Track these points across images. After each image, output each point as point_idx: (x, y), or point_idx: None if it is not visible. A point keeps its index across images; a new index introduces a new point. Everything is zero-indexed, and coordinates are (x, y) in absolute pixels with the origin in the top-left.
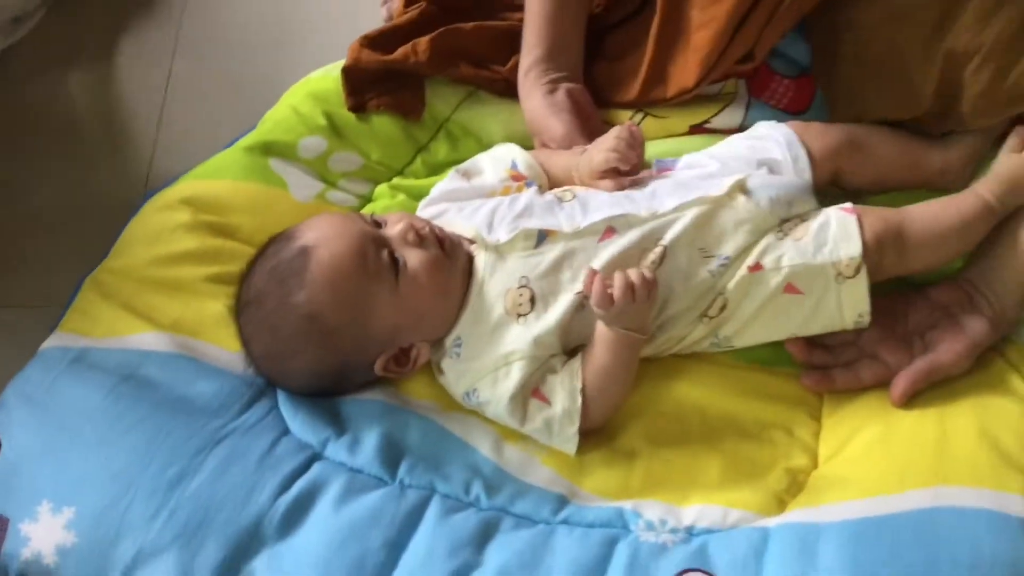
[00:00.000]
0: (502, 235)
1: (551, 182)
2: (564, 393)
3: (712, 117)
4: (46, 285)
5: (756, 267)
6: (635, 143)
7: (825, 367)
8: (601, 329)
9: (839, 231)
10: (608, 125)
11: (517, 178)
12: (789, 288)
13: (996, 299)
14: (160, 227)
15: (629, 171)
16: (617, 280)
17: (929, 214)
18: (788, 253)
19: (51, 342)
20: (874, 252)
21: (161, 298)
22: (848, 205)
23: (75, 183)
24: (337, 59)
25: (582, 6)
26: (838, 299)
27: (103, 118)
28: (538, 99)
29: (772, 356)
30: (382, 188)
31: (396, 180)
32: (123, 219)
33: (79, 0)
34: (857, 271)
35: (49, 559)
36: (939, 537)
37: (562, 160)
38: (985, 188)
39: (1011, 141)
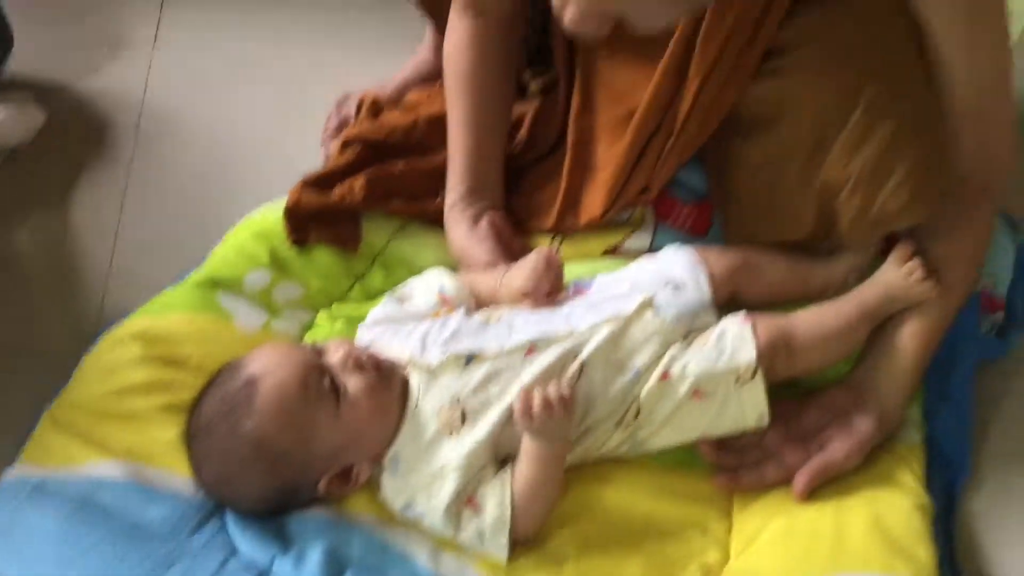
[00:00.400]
0: (434, 358)
1: (479, 302)
2: (495, 502)
3: (623, 241)
4: (4, 417)
5: (665, 376)
6: (551, 268)
7: (733, 468)
8: (526, 442)
9: (736, 339)
10: (530, 248)
11: (446, 302)
12: (696, 394)
13: (881, 400)
14: (112, 362)
15: (549, 292)
16: (536, 397)
17: (814, 320)
18: (692, 362)
19: (11, 474)
20: (767, 356)
21: (114, 428)
22: (743, 313)
23: (30, 323)
24: (276, 197)
25: (499, 146)
26: (739, 401)
27: (55, 262)
28: (463, 230)
29: (686, 458)
30: (322, 315)
31: (335, 307)
32: (77, 355)
33: (31, 152)
34: (754, 375)
35: None
36: None
37: (488, 280)
38: (864, 295)
39: (896, 254)
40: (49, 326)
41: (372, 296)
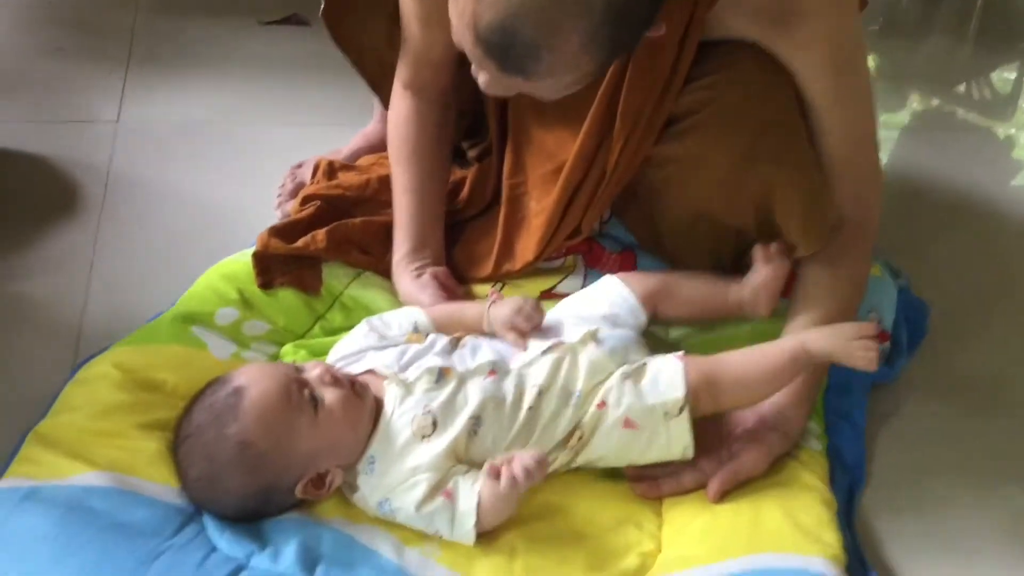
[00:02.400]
0: (410, 373)
1: (462, 330)
2: (465, 494)
3: (558, 283)
4: None
5: (602, 404)
6: (535, 311)
7: (654, 477)
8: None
9: (668, 377)
10: (469, 295)
11: (416, 339)
12: (627, 423)
13: (784, 415)
14: (94, 386)
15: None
16: (517, 468)
17: (742, 363)
18: (627, 395)
19: (2, 484)
20: (693, 395)
21: (99, 444)
22: (680, 354)
23: (5, 366)
24: (239, 249)
25: (439, 208)
26: (667, 434)
27: (28, 311)
28: (407, 282)
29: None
30: (287, 348)
31: (299, 342)
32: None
33: None
34: (681, 411)
35: None
36: None
37: (470, 312)
38: (800, 345)
39: (860, 327)
40: (25, 368)
41: (332, 333)
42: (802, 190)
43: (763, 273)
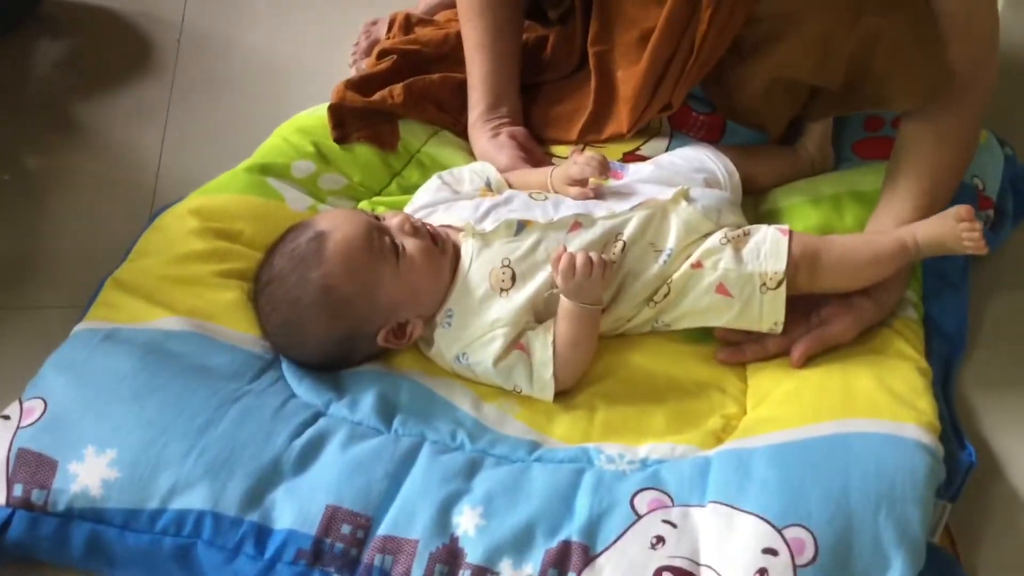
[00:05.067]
0: (488, 224)
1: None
2: (540, 345)
3: (641, 145)
4: (67, 289)
5: (697, 264)
6: (603, 166)
7: (737, 342)
8: (563, 302)
9: (771, 247)
10: (549, 156)
11: (491, 191)
12: (720, 289)
13: (881, 286)
14: (171, 233)
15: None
16: (579, 257)
17: (846, 247)
18: (725, 258)
19: (81, 326)
20: (792, 270)
21: (177, 291)
22: (784, 227)
23: (86, 206)
24: (313, 104)
25: (514, 67)
26: (760, 306)
27: (106, 166)
28: (484, 142)
29: (703, 333)
30: (363, 204)
31: (375, 199)
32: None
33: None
34: (779, 284)
35: (95, 491)
36: (850, 453)
37: (534, 176)
38: (910, 235)
39: (958, 210)
40: (103, 217)
41: (409, 191)
42: (909, 40)
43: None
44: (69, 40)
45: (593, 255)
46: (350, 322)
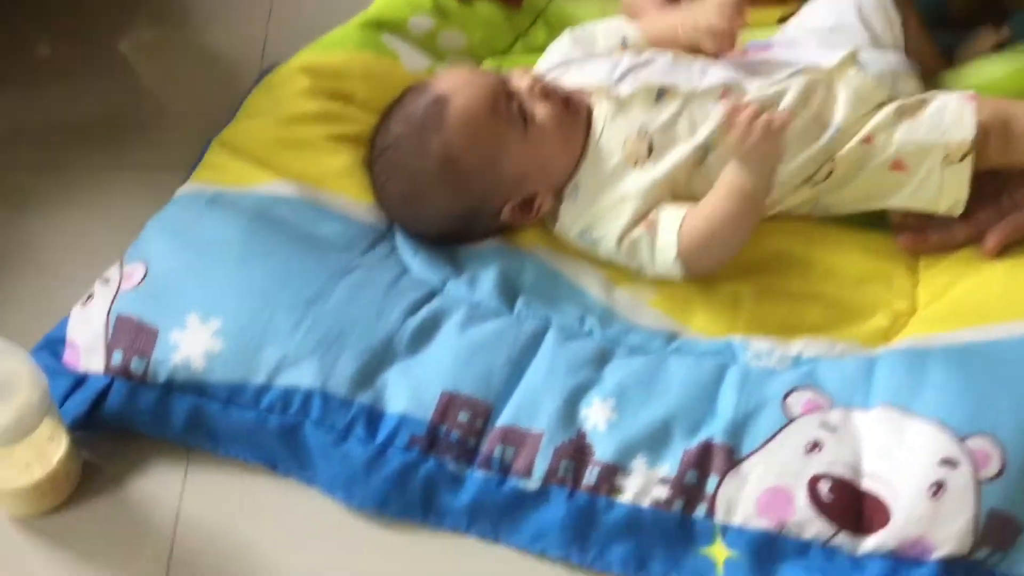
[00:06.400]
0: (624, 89)
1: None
2: (668, 224)
3: (799, 8)
4: (172, 150)
5: (868, 139)
6: (740, 10)
7: (919, 227)
8: (727, 171)
9: (954, 115)
10: None
11: (627, 49)
12: (896, 164)
13: None
14: (281, 93)
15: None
16: (765, 114)
17: None
18: (901, 130)
19: (185, 189)
20: (980, 139)
21: (286, 154)
22: (969, 92)
23: (193, 64)
24: None
25: None
26: (940, 182)
27: (214, 14)
28: None
29: (869, 217)
30: (487, 63)
31: (498, 59)
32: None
33: None
34: (964, 157)
35: (198, 363)
36: None
37: (664, 22)
38: None
39: None
40: (209, 74)
41: (535, 52)
42: None
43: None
44: None
45: (776, 114)
46: (473, 195)
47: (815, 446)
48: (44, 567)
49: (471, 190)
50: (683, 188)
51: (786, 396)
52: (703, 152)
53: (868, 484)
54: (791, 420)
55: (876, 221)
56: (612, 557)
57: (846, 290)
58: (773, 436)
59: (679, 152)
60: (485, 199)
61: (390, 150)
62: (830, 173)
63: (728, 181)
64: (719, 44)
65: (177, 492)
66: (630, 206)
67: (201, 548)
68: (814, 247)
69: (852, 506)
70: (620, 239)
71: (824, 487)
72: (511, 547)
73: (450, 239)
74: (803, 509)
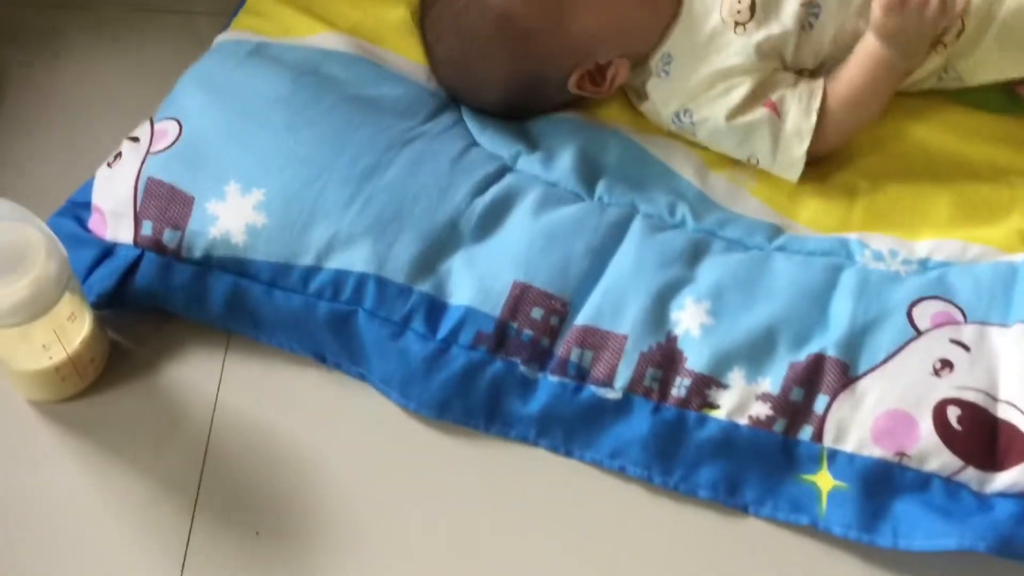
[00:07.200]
0: None
1: None
2: (799, 109)
3: None
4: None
5: None
6: None
7: None
8: (868, 45)
9: None
10: None
11: None
12: None
13: None
14: None
15: None
16: None
17: None
18: None
19: (225, 37)
20: None
21: (339, 2)
22: None
23: None
24: None
25: None
26: None
27: None
28: None
29: (1004, 102)
30: None
31: None
32: None
33: None
34: None
35: (238, 238)
36: None
37: None
38: None
39: None
40: None
41: None
42: None
43: None
44: None
45: None
46: (533, 62)
47: (945, 365)
48: (65, 457)
49: (530, 55)
50: (791, 55)
51: (912, 306)
52: (809, 8)
53: (1004, 412)
54: (918, 334)
55: (1010, 107)
56: (699, 480)
57: (979, 183)
58: (895, 352)
59: (788, 10)
60: (547, 66)
61: (439, 5)
62: (961, 31)
63: (865, 53)
64: None
65: (215, 381)
66: (743, 81)
67: (240, 443)
68: (942, 131)
69: (984, 437)
70: (731, 117)
71: (953, 414)
72: (584, 462)
73: (510, 112)
74: (926, 437)
